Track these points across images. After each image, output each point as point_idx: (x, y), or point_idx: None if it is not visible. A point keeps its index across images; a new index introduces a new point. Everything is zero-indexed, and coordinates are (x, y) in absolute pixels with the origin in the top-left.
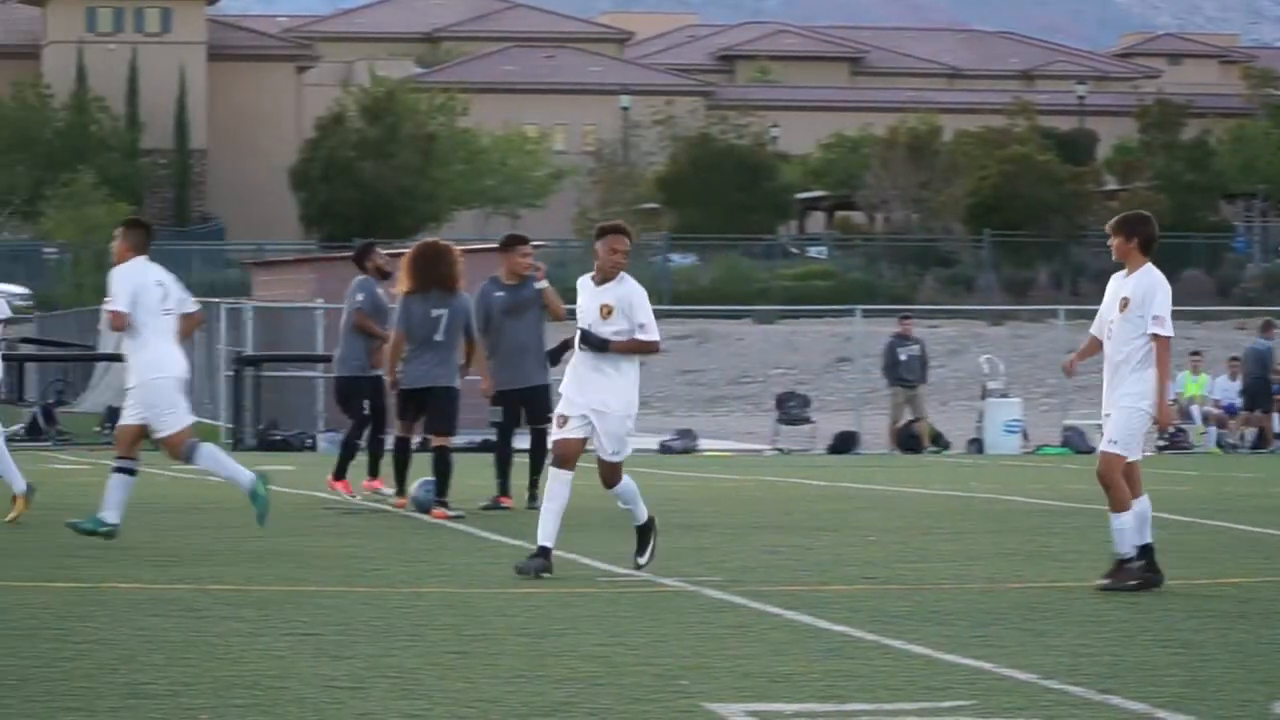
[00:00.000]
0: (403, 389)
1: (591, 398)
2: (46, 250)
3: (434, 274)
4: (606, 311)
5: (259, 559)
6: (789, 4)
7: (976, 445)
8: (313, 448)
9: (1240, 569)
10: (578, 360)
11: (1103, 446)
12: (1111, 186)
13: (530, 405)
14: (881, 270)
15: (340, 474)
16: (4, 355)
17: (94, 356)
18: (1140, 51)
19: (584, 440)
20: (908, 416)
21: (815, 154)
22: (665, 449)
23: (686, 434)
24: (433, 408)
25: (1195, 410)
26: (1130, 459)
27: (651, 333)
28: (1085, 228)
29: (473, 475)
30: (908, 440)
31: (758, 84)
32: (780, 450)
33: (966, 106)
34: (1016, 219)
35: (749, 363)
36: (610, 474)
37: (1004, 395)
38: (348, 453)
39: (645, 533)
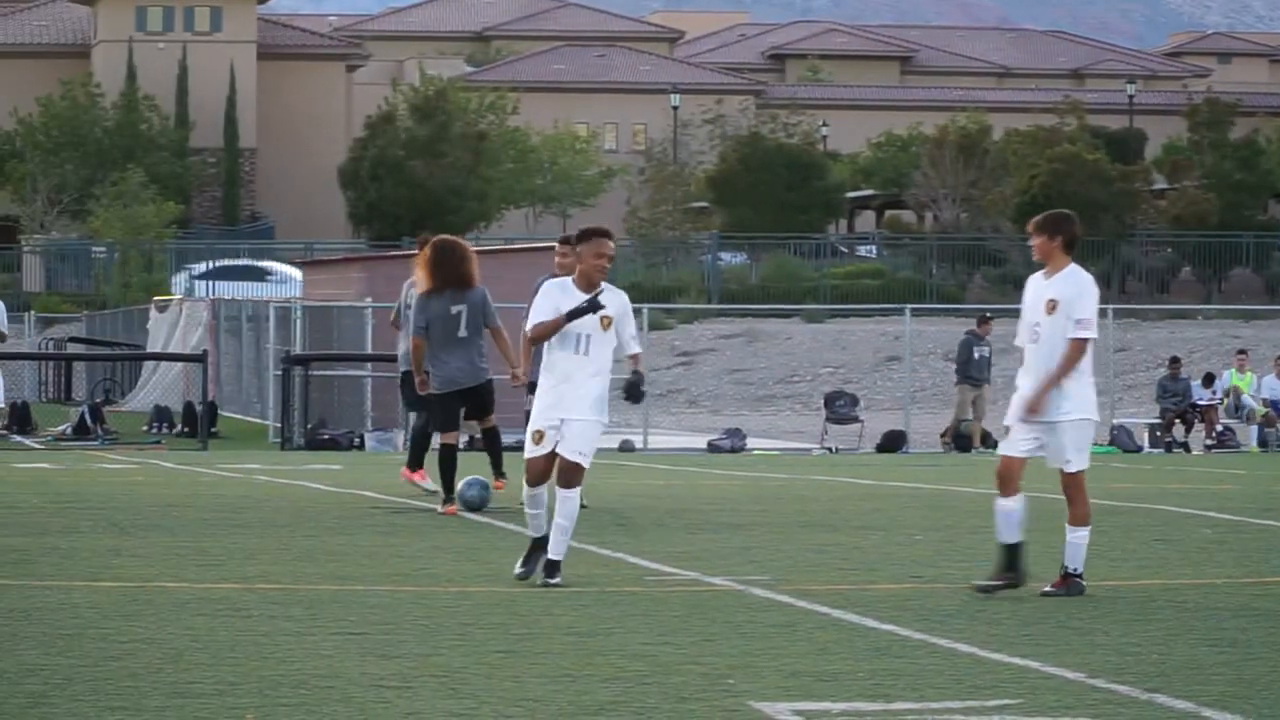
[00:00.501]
0: (444, 393)
1: (565, 406)
2: (95, 249)
3: (454, 273)
4: (607, 323)
5: (306, 558)
6: (839, 3)
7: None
8: (361, 447)
9: None
10: (555, 374)
11: (1063, 466)
12: (1160, 185)
13: None
14: (931, 269)
15: (416, 464)
16: (52, 354)
17: (142, 356)
18: (1190, 50)
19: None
20: (969, 415)
21: (865, 153)
22: (713, 448)
23: (735, 433)
24: (476, 402)
25: (1249, 399)
26: (1082, 469)
27: (639, 344)
28: (1134, 227)
29: (515, 473)
30: (958, 439)
31: (808, 83)
32: (829, 449)
33: (1016, 105)
34: None
35: (798, 362)
36: (575, 475)
37: None
38: (421, 441)
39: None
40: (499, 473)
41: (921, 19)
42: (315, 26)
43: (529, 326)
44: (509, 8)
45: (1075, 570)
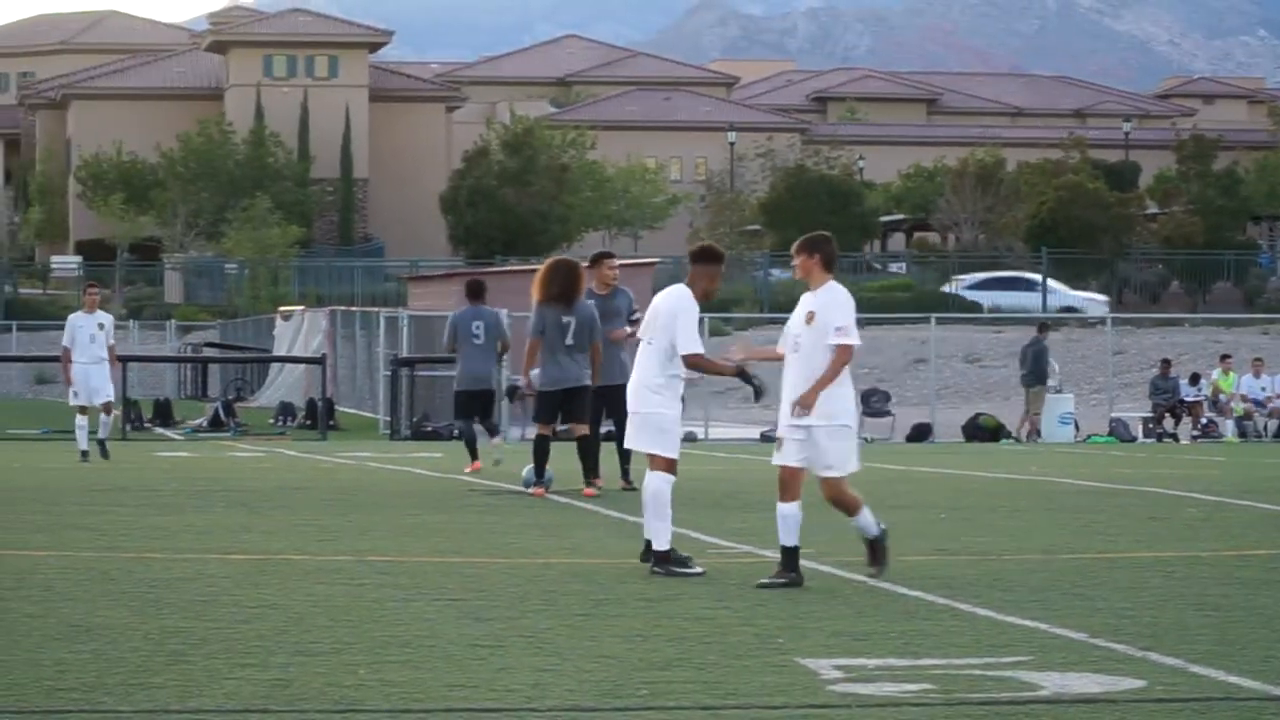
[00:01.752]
0: (546, 390)
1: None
2: (228, 265)
3: (571, 287)
4: None
5: (411, 534)
6: (874, 52)
7: (1035, 434)
8: (459, 438)
9: (1265, 542)
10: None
11: (822, 473)
12: (1152, 210)
13: (611, 401)
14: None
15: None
16: (190, 357)
17: (269, 358)
18: (1178, 93)
19: None
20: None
21: (896, 183)
22: (766, 438)
23: None
24: (577, 403)
25: (1223, 398)
26: (847, 474)
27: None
28: (1130, 246)
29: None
30: (975, 430)
31: (846, 122)
32: (865, 439)
33: (1027, 141)
34: (1070, 238)
35: None
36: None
37: (1059, 391)
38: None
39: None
40: (591, 480)
41: (945, 66)
42: (419, 73)
43: (696, 350)
44: (588, 57)
45: (873, 534)
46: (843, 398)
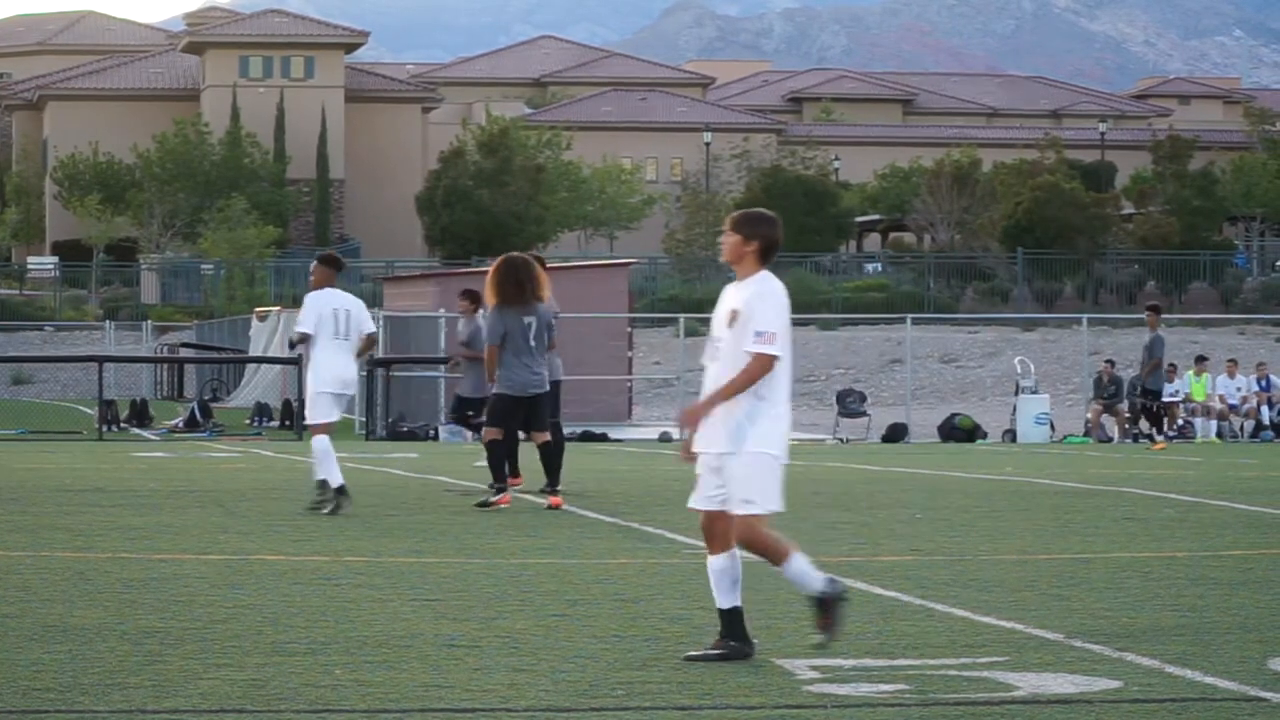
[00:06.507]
0: (511, 395)
1: None
2: (204, 266)
3: (527, 287)
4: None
5: (388, 534)
6: (850, 53)
7: (1010, 435)
8: (435, 438)
9: (1240, 543)
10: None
11: (737, 509)
12: (1128, 211)
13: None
14: (929, 284)
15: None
16: (166, 357)
17: (244, 359)
18: (1154, 93)
19: None
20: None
21: (872, 183)
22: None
23: None
24: (539, 411)
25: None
26: (772, 512)
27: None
28: (1106, 246)
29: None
30: (951, 431)
31: (822, 122)
32: (840, 439)
33: (1003, 141)
34: (1046, 239)
35: (813, 363)
36: None
37: (1034, 391)
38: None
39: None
40: (554, 486)
41: (921, 66)
42: (395, 74)
43: None
44: (563, 58)
45: (820, 592)
46: (771, 419)
